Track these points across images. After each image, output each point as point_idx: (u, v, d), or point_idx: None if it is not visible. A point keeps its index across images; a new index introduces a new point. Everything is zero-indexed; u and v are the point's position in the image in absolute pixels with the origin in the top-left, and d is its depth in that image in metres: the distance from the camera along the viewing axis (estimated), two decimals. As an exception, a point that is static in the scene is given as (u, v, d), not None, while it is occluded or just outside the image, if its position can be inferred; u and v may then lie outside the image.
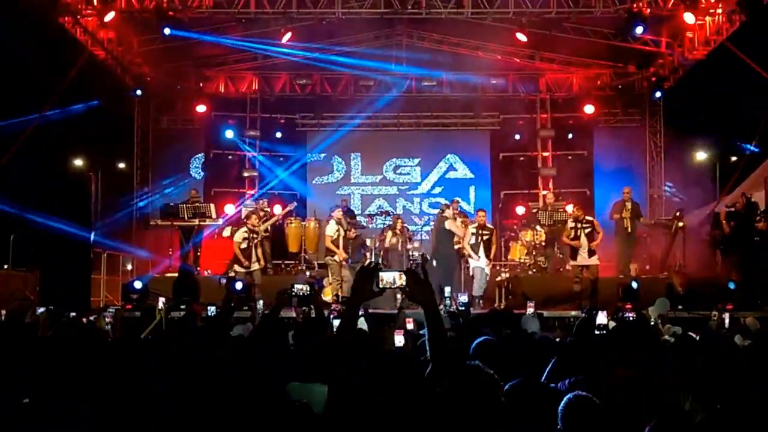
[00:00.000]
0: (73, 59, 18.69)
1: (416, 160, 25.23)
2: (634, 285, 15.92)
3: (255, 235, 18.01)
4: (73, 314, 9.83)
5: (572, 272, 17.95)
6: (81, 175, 18.73)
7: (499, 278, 18.99)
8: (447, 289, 13.14)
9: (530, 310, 12.41)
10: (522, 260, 20.51)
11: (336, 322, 7.77)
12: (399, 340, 7.30)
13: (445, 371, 5.00)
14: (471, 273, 18.23)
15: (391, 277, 5.15)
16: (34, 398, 4.68)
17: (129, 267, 20.55)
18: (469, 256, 18.02)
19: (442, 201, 21.49)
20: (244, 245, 17.80)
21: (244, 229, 18.06)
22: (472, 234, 18.01)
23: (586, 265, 17.51)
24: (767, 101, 18.86)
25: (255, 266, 17.86)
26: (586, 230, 17.70)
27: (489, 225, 18.53)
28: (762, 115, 19.08)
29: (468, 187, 24.92)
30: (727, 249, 17.98)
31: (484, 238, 17.95)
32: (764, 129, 19.02)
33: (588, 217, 18.19)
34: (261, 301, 14.02)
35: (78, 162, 19.65)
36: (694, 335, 8.67)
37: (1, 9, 15.89)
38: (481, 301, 17.62)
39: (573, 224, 17.88)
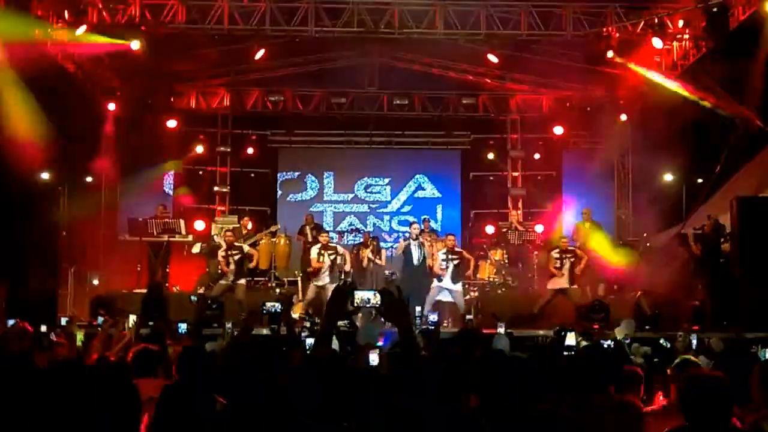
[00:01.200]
0: (43, 72, 18.59)
1: (387, 180, 25.36)
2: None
3: (234, 251, 18.02)
4: (43, 328, 9.74)
5: (546, 295, 18.09)
6: (49, 189, 18.56)
7: (468, 297, 19.05)
8: (417, 309, 13.18)
9: (501, 330, 12.45)
10: (491, 279, 20.62)
11: (309, 341, 7.78)
12: (373, 358, 7.32)
13: (418, 390, 5.04)
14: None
15: (366, 296, 5.19)
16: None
17: (96, 282, 20.42)
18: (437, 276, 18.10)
19: (411, 219, 21.61)
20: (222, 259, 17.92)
21: (222, 248, 18.14)
22: (442, 259, 18.08)
23: (562, 289, 17.70)
24: (731, 125, 19.11)
25: (241, 281, 17.95)
26: (571, 260, 17.93)
27: (458, 249, 18.61)
28: (725, 139, 19.30)
29: (435, 206, 25.05)
30: (695, 270, 18.14)
31: (454, 262, 18.01)
32: (728, 152, 19.23)
33: (571, 247, 18.40)
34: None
35: (45, 175, 19.47)
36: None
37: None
38: (449, 321, 17.71)
39: (558, 255, 18.07)
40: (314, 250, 18.29)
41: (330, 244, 18.53)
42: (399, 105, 24.07)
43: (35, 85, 18.13)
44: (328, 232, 21.88)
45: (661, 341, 10.33)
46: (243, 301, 17.33)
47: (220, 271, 18.49)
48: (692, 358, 7.15)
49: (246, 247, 18.60)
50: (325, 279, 17.87)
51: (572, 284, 17.90)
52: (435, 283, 18.06)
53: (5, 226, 17.25)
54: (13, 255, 16.56)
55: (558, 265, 17.95)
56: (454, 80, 24.23)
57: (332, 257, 18.15)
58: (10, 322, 9.29)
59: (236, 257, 18.00)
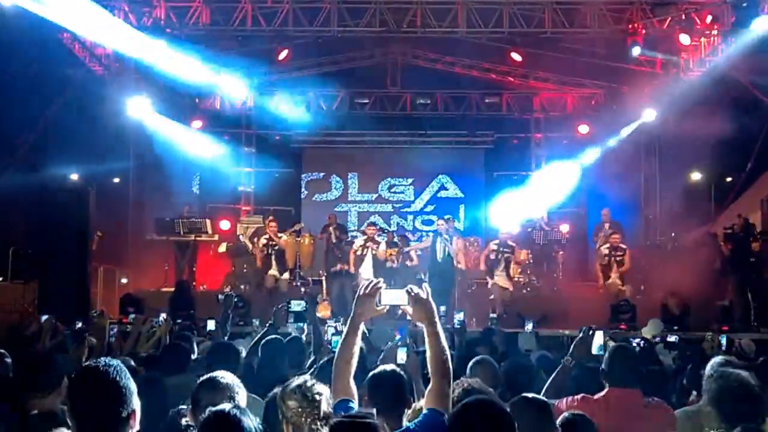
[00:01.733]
0: (71, 74, 18.76)
1: (410, 180, 25.36)
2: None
3: (273, 244, 18.32)
4: (79, 325, 9.84)
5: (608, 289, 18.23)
6: (78, 189, 18.70)
7: (492, 297, 19.05)
8: (442, 308, 13.17)
9: (528, 327, 12.47)
10: (516, 279, 20.58)
11: (335, 339, 7.81)
12: (401, 356, 7.32)
13: (444, 390, 5.05)
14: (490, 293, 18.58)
15: (393, 295, 5.20)
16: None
17: (124, 281, 20.55)
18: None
19: (435, 218, 21.61)
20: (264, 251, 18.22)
21: (266, 235, 18.41)
22: (493, 251, 18.31)
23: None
24: (762, 121, 19.00)
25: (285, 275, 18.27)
26: (618, 259, 18.04)
27: (510, 243, 18.82)
28: (755, 137, 19.21)
29: (458, 206, 25.02)
30: (724, 270, 18.03)
31: (505, 255, 18.30)
32: (759, 149, 19.14)
33: (623, 246, 18.49)
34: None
35: (74, 176, 19.64)
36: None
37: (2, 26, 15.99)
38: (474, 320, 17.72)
39: (607, 251, 18.22)
40: (359, 241, 18.56)
41: (376, 238, 18.81)
42: (422, 104, 24.14)
43: (63, 86, 18.34)
44: (347, 231, 22.00)
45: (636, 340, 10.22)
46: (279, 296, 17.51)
47: (245, 269, 18.73)
48: (731, 358, 7.15)
49: (282, 243, 18.94)
50: (368, 273, 17.96)
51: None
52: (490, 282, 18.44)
53: (36, 226, 17.45)
54: (45, 254, 16.75)
55: (606, 262, 18.20)
56: (477, 79, 24.22)
57: (374, 252, 18.43)
58: (43, 317, 9.40)
59: (275, 249, 18.39)
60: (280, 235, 19.65)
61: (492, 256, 18.60)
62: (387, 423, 4.72)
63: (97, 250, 18.89)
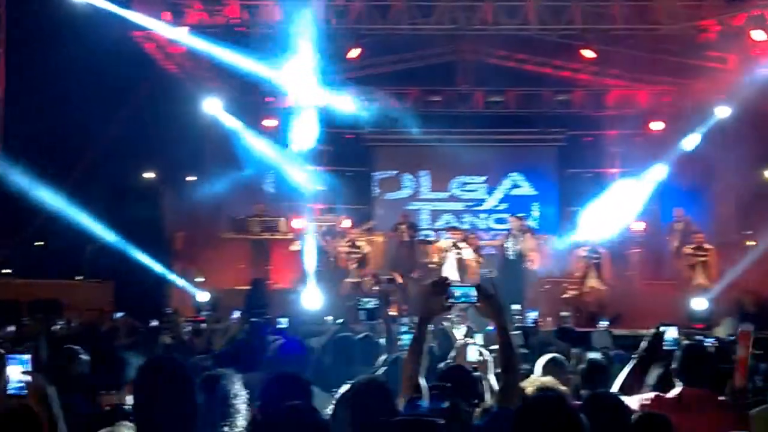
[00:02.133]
0: (145, 73, 19.07)
1: (482, 178, 25.26)
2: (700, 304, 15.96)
3: (356, 250, 18.28)
4: (155, 323, 10.03)
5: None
6: (153, 188, 19.05)
7: (566, 295, 18.96)
8: (515, 307, 13.13)
9: (603, 325, 12.41)
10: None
11: (405, 337, 7.85)
12: (472, 354, 7.34)
13: (514, 388, 5.08)
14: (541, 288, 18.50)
15: (462, 292, 5.24)
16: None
17: (201, 279, 20.80)
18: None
19: (508, 216, 21.52)
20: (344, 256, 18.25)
21: (347, 241, 18.39)
22: (582, 257, 18.26)
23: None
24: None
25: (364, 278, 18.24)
26: (703, 258, 17.85)
27: (600, 249, 18.70)
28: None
29: (531, 204, 24.89)
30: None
31: (594, 261, 18.24)
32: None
33: (707, 246, 18.30)
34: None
35: (150, 175, 19.99)
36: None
37: (77, 25, 16.32)
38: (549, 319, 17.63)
39: (691, 251, 18.07)
40: (445, 243, 18.42)
41: (459, 244, 18.61)
42: (493, 102, 24.06)
43: (137, 85, 18.65)
44: (418, 230, 22.00)
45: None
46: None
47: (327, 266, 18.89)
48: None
49: (366, 248, 18.86)
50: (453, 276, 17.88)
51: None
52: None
53: (112, 225, 17.77)
54: (120, 253, 17.04)
55: (692, 261, 18.06)
56: (549, 76, 24.08)
57: (458, 255, 18.36)
58: (118, 315, 9.59)
59: (357, 257, 18.31)
60: (359, 243, 19.48)
61: (581, 263, 18.50)
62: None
63: (173, 249, 19.16)
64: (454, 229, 20.50)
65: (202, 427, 4.05)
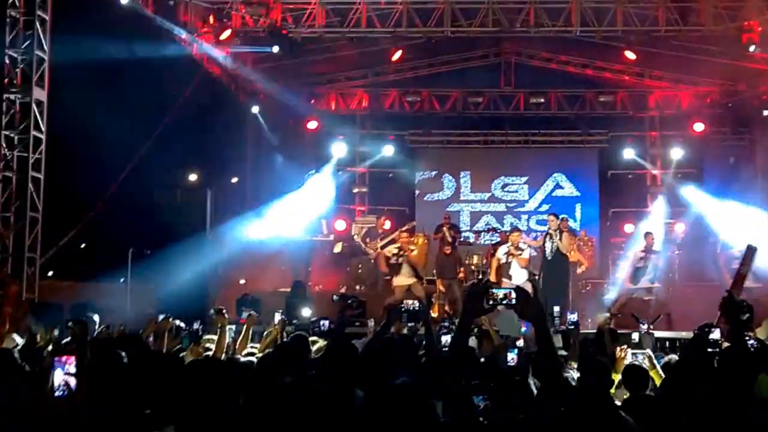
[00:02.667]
0: (188, 76, 19.23)
1: (524, 178, 25.21)
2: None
3: (403, 252, 18.21)
4: (197, 326, 10.10)
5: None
6: (196, 190, 19.18)
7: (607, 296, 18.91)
8: (555, 309, 13.09)
9: (643, 328, 12.34)
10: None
11: (445, 339, 7.89)
12: (512, 358, 7.38)
13: (553, 389, 5.12)
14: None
15: (502, 294, 5.28)
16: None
17: (242, 281, 20.91)
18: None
19: (547, 216, 21.42)
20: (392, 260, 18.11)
21: (396, 245, 18.31)
22: (640, 258, 18.13)
23: None
24: None
25: (411, 280, 18.02)
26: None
27: (655, 249, 18.54)
28: None
29: (574, 204, 24.79)
30: None
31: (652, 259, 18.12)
32: None
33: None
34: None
35: (193, 177, 20.14)
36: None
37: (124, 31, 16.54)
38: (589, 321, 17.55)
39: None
40: (503, 249, 18.21)
41: (520, 245, 18.40)
42: (535, 104, 24.03)
43: (181, 88, 18.82)
44: (460, 231, 21.98)
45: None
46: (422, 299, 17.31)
47: (359, 269, 18.91)
48: None
49: (413, 252, 18.77)
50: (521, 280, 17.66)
51: None
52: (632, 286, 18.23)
53: (156, 227, 17.95)
54: (164, 255, 17.18)
55: None
56: (591, 78, 24.05)
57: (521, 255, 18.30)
58: (161, 317, 9.65)
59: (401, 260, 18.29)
60: (411, 247, 19.31)
61: (639, 264, 18.36)
62: None
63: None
64: (516, 229, 20.32)
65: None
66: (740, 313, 7.14)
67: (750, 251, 7.93)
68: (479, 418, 4.64)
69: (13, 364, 5.80)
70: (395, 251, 18.23)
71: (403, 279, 17.85)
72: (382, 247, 19.15)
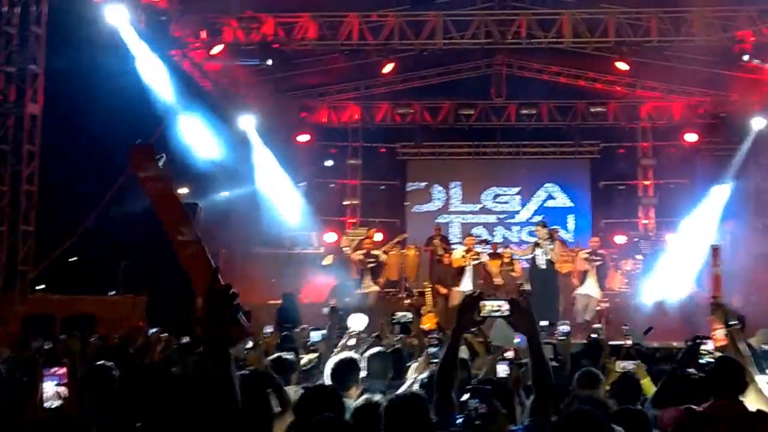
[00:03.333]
0: (180, 88, 19.21)
1: (515, 189, 25.17)
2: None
3: (372, 260, 18.43)
4: (185, 339, 10.09)
5: None
6: (187, 204, 19.10)
7: (598, 308, 18.88)
8: (542, 323, 12.99)
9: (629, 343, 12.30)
10: (622, 289, 20.34)
11: (432, 350, 7.86)
12: (503, 369, 7.35)
13: (547, 401, 5.09)
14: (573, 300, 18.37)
15: (494, 306, 5.26)
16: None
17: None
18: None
19: (536, 219, 21.45)
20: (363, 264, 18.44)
21: (362, 251, 18.61)
22: (584, 260, 18.23)
23: None
24: None
25: (372, 288, 18.36)
26: None
27: (600, 252, 18.69)
28: None
29: (566, 215, 24.77)
30: None
31: (597, 263, 18.19)
32: None
33: None
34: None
35: (183, 190, 20.06)
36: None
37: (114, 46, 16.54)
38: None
39: None
40: (459, 251, 18.59)
41: (474, 249, 18.82)
42: (527, 115, 24.04)
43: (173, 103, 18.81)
44: (450, 243, 22.00)
45: None
46: (374, 309, 17.59)
47: (349, 281, 18.99)
48: None
49: (383, 256, 19.04)
50: (468, 285, 18.02)
51: None
52: (579, 291, 18.26)
53: (147, 240, 17.89)
54: (155, 268, 17.15)
55: None
56: (583, 89, 24.08)
57: (475, 262, 18.46)
58: (152, 331, 9.65)
59: (372, 266, 18.47)
60: (375, 252, 19.73)
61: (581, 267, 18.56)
62: None
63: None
64: (470, 235, 20.62)
65: None
66: (729, 317, 7.11)
67: (715, 251, 7.97)
68: (473, 420, 4.60)
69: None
70: (360, 256, 18.49)
71: (365, 286, 18.28)
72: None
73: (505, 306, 5.21)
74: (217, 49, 19.01)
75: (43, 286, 19.04)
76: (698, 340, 7.47)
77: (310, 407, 5.20)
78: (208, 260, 3.07)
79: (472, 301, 5.38)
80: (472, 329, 7.93)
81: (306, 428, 4.63)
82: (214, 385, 2.96)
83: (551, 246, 18.14)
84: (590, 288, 18.61)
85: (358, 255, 19.34)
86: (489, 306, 5.26)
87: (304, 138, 23.78)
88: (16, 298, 16.76)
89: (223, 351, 2.94)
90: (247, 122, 21.40)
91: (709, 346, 7.49)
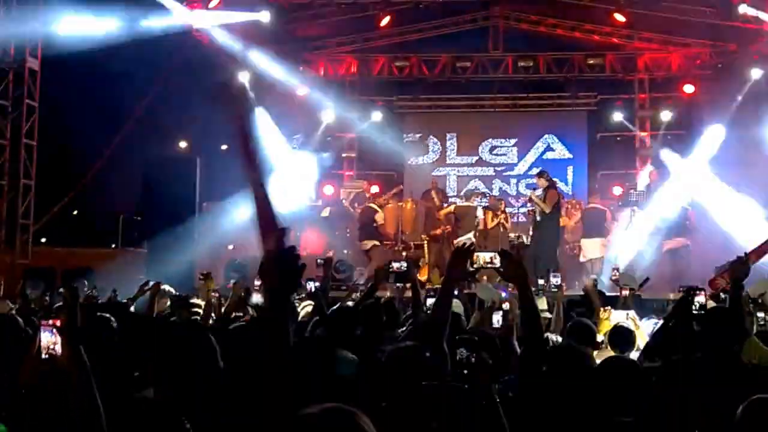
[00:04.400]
0: (178, 43, 19.18)
1: (512, 141, 25.08)
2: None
3: (369, 214, 18.76)
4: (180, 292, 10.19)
5: None
6: (186, 158, 19.19)
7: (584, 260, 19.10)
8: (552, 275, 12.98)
9: (625, 293, 12.38)
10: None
11: (430, 301, 7.94)
12: (497, 320, 7.46)
13: (537, 351, 5.19)
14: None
15: (486, 258, 5.36)
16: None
17: (231, 247, 20.96)
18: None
19: (535, 170, 21.41)
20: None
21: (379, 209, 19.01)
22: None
23: None
24: None
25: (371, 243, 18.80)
26: None
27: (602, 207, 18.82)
28: None
29: (566, 167, 24.73)
30: None
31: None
32: None
33: None
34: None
35: (183, 144, 20.14)
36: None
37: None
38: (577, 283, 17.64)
39: None
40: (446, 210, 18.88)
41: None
42: (524, 67, 23.98)
43: (171, 56, 18.79)
44: (448, 196, 22.13)
45: None
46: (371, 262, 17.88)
47: (347, 233, 19.20)
48: None
49: (379, 213, 19.24)
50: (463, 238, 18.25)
51: None
52: (582, 259, 18.46)
53: (145, 195, 17.99)
54: (153, 222, 17.26)
55: None
56: (580, 40, 24.01)
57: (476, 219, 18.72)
58: (151, 283, 9.74)
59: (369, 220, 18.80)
60: (372, 206, 19.99)
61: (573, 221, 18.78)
62: None
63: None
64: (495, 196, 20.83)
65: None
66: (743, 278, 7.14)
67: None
68: (461, 369, 4.67)
69: (15, 327, 5.94)
70: (359, 211, 18.81)
71: (366, 242, 18.48)
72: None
73: (496, 258, 5.30)
74: (214, 2, 18.97)
75: (44, 240, 19.18)
76: (691, 291, 7.52)
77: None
78: (269, 207, 3.10)
79: (463, 253, 5.47)
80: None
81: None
82: (276, 333, 3.10)
83: (543, 198, 18.02)
84: (592, 251, 18.76)
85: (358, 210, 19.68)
86: (482, 258, 5.36)
87: (301, 91, 23.70)
88: (17, 251, 16.89)
89: (286, 302, 3.17)
90: (244, 77, 21.38)
91: (701, 297, 7.55)
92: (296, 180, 21.94)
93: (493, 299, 8.29)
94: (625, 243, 19.39)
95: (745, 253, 7.47)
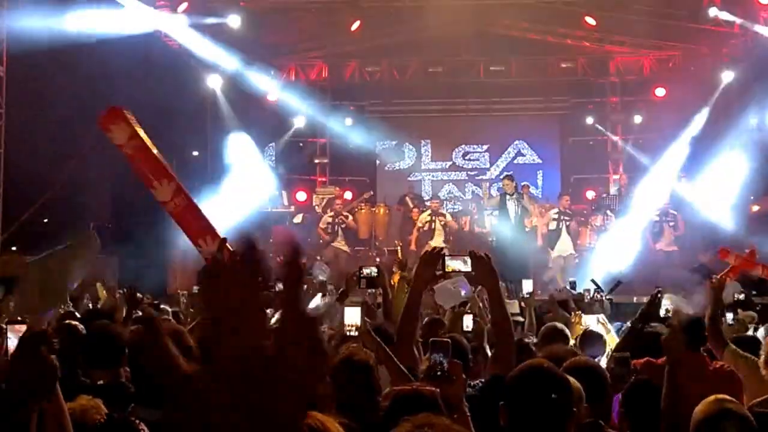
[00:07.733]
0: (147, 47, 19.04)
1: (485, 147, 25.21)
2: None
3: (339, 219, 18.79)
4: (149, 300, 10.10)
5: None
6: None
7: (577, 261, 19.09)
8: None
9: (597, 296, 12.41)
10: (591, 245, 20.46)
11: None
12: (467, 323, 7.40)
13: (507, 356, 5.12)
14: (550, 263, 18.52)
15: (457, 263, 5.29)
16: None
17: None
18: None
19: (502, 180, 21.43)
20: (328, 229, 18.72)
21: (331, 213, 18.95)
22: (553, 219, 18.27)
23: None
24: None
25: (342, 247, 18.87)
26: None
27: (569, 211, 18.78)
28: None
29: (536, 172, 24.82)
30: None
31: (566, 222, 18.26)
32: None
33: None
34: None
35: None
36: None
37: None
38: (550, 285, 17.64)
39: None
40: (425, 216, 18.88)
41: (440, 210, 19.04)
42: (496, 71, 23.96)
43: (142, 60, 18.64)
44: (424, 201, 22.10)
45: None
46: (344, 268, 17.79)
47: (321, 240, 19.11)
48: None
49: (349, 218, 19.25)
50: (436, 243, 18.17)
51: None
52: (553, 254, 18.37)
53: (116, 200, 17.85)
54: (125, 228, 17.13)
55: None
56: (552, 44, 23.99)
57: (442, 223, 18.65)
58: (119, 291, 9.65)
59: (342, 226, 18.77)
60: (346, 214, 20.01)
61: (552, 226, 18.71)
62: None
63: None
64: (435, 199, 20.94)
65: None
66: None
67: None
68: (436, 372, 4.59)
69: None
70: (329, 220, 18.67)
71: (337, 244, 18.65)
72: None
73: (467, 263, 5.24)
74: (182, 7, 18.85)
75: (14, 249, 18.98)
76: (659, 295, 7.53)
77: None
78: (196, 209, 2.97)
79: (432, 257, 5.41)
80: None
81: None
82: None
83: (524, 203, 18.12)
84: (563, 247, 18.75)
85: (327, 218, 19.62)
86: (453, 265, 5.30)
87: (271, 97, 23.58)
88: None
89: None
90: (215, 82, 21.26)
91: (666, 302, 7.57)
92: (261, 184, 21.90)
93: (455, 303, 8.23)
94: (601, 247, 19.45)
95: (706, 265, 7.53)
